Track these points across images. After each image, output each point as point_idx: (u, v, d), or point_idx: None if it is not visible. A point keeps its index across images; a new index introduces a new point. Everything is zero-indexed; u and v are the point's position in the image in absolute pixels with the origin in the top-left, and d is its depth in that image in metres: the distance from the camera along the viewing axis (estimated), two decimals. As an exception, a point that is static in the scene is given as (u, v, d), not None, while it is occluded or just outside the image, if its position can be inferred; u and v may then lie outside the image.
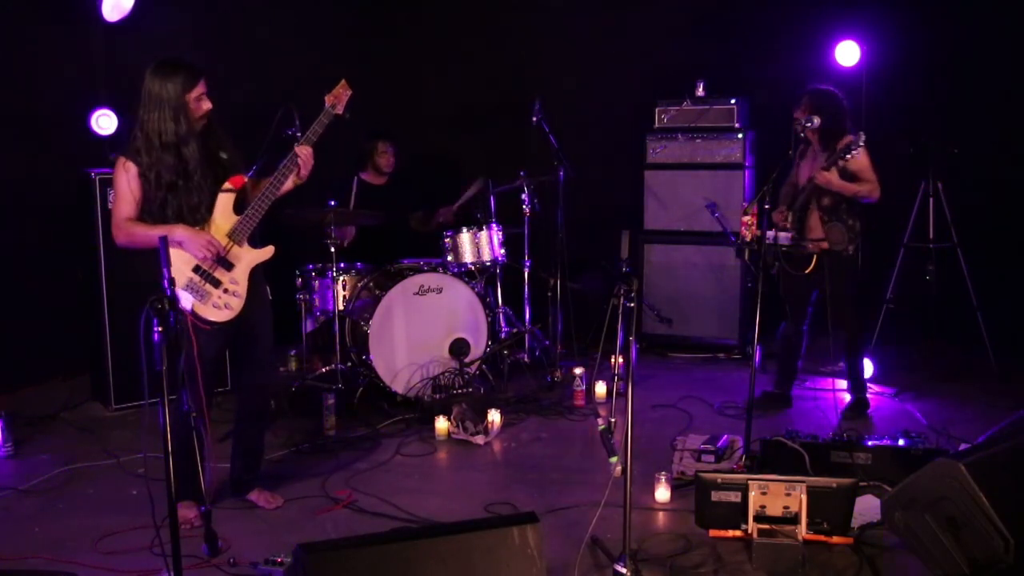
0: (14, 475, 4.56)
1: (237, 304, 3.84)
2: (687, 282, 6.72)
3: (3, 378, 5.65)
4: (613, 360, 5.14)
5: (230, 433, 4.34)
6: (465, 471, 4.66)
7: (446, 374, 5.50)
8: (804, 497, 3.53)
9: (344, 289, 5.72)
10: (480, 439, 4.94)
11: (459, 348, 5.65)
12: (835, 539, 3.59)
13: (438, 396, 5.38)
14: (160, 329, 3.02)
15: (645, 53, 7.07)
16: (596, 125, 7.19)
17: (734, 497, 3.58)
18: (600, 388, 5.65)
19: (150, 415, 4.63)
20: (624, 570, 3.24)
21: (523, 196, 6.25)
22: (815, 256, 5.07)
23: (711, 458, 4.36)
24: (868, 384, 5.50)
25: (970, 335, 6.08)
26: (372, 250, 6.19)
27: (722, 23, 6.88)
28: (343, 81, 4.02)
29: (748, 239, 4.89)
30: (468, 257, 5.94)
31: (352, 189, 6.39)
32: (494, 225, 6.06)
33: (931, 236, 6.10)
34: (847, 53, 6.35)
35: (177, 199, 3.74)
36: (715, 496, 3.59)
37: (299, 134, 3.96)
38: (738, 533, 3.61)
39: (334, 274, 5.48)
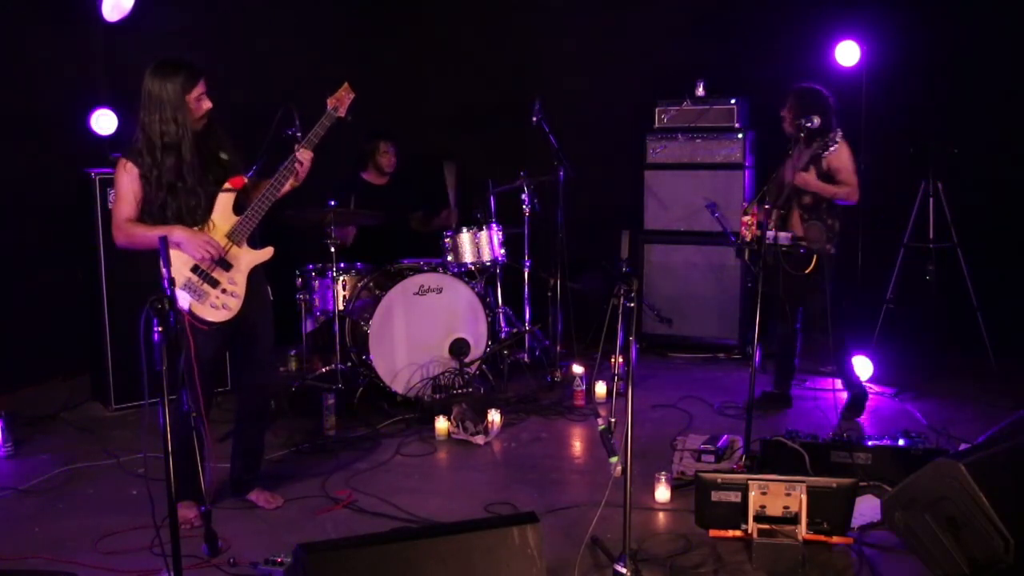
0: (14, 475, 4.56)
1: (235, 305, 3.83)
2: (687, 282, 6.73)
3: (3, 378, 5.64)
4: (613, 360, 5.11)
5: (230, 433, 4.34)
6: (465, 471, 4.65)
7: (446, 374, 5.50)
8: (804, 497, 3.53)
9: (344, 289, 5.72)
10: (480, 439, 4.94)
11: (459, 348, 5.65)
12: (835, 539, 3.58)
13: (438, 396, 5.38)
14: (160, 329, 3.02)
15: (645, 53, 7.07)
16: (596, 125, 7.18)
17: (734, 497, 3.58)
18: (600, 388, 5.64)
19: (150, 415, 4.62)
20: (624, 570, 3.24)
21: (523, 196, 6.25)
22: (815, 256, 5.06)
23: (711, 458, 4.36)
24: (868, 384, 5.49)
25: (970, 335, 6.08)
26: (372, 250, 6.19)
27: (722, 23, 6.88)
28: (346, 84, 4.00)
29: (748, 239, 4.89)
30: (468, 257, 5.94)
31: (356, 189, 6.38)
32: (494, 225, 6.06)
33: (931, 236, 6.10)
34: (847, 53, 6.34)
35: (176, 200, 3.75)
36: (715, 496, 3.59)
37: (299, 134, 3.94)
38: (738, 533, 3.61)
39: (334, 274, 5.48)
